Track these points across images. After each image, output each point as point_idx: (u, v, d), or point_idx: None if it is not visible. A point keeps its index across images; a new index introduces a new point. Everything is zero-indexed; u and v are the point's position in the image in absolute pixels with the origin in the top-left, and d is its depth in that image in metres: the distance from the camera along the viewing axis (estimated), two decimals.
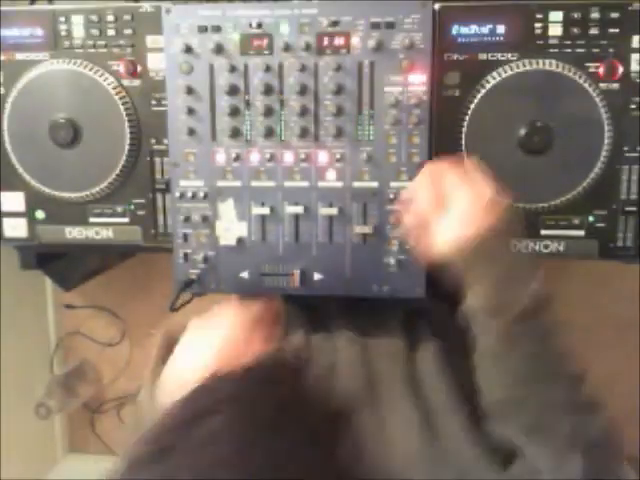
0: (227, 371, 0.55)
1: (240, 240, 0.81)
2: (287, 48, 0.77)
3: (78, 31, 0.83)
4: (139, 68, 0.83)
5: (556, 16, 0.76)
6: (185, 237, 0.82)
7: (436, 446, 0.63)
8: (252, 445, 0.43)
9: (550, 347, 0.65)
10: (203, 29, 0.78)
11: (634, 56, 0.76)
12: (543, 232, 0.81)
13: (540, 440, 0.61)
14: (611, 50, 0.76)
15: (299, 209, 0.80)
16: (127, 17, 0.82)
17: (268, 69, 0.78)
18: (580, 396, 0.64)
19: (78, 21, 0.83)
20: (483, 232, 0.65)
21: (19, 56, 0.84)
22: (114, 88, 0.83)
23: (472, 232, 0.65)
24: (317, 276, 0.80)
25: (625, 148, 0.78)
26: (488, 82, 0.77)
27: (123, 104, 0.83)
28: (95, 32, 0.83)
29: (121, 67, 0.83)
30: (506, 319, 0.64)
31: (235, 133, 0.79)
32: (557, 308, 0.66)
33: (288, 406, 0.48)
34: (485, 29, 0.77)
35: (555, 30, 0.77)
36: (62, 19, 0.83)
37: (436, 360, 0.75)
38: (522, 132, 0.77)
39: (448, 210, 0.67)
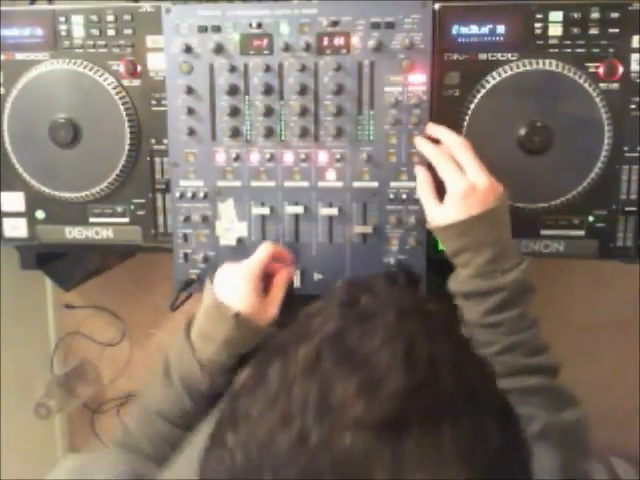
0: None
1: (240, 240, 0.81)
2: (287, 48, 0.77)
3: (78, 31, 0.83)
4: (139, 68, 0.83)
5: (556, 16, 0.76)
6: (185, 237, 0.82)
7: None
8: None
9: (527, 338, 0.66)
10: (203, 29, 0.78)
11: (634, 56, 0.76)
12: (543, 232, 0.81)
13: None
14: (611, 50, 0.76)
15: (299, 209, 0.80)
16: (127, 17, 0.82)
17: (268, 69, 0.78)
18: (555, 390, 0.65)
19: (78, 21, 0.83)
20: (475, 220, 0.66)
21: (19, 56, 0.84)
22: (114, 88, 0.82)
23: (463, 217, 0.67)
24: (317, 276, 0.80)
25: (625, 148, 0.78)
26: (488, 82, 0.77)
27: (123, 104, 0.83)
28: (95, 32, 0.83)
29: (121, 67, 0.83)
30: (485, 307, 0.66)
31: (235, 133, 0.79)
32: (534, 303, 0.68)
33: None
34: (485, 29, 0.77)
35: (555, 30, 0.77)
36: (62, 19, 0.83)
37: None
38: (522, 132, 0.77)
39: (448, 187, 0.69)
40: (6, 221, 0.89)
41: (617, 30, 0.76)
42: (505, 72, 0.77)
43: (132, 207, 0.86)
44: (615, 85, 0.77)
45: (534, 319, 0.68)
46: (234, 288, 0.67)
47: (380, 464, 0.33)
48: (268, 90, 0.78)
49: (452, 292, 0.70)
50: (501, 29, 0.77)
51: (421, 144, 0.75)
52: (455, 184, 0.68)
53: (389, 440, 0.34)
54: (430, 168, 0.74)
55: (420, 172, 0.75)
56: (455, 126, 0.77)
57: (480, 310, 0.66)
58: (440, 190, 0.71)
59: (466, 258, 0.67)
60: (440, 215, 0.69)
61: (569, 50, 0.77)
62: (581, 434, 0.63)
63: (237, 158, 0.80)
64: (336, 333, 0.40)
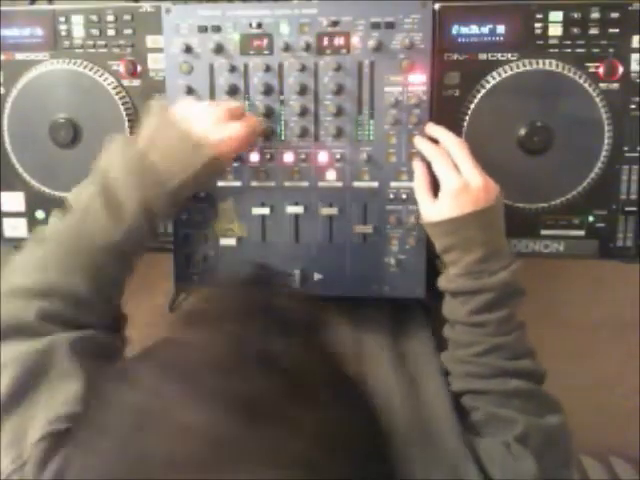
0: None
1: (240, 240, 0.81)
2: (287, 48, 0.77)
3: (78, 31, 0.83)
4: (139, 68, 0.83)
5: (556, 16, 0.76)
6: (185, 237, 0.81)
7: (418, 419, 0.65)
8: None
9: (512, 340, 0.66)
10: (203, 29, 0.78)
11: (634, 56, 0.76)
12: (543, 232, 0.81)
13: (493, 433, 0.62)
14: (611, 50, 0.76)
15: (299, 209, 0.79)
16: (127, 17, 0.82)
17: (268, 69, 0.78)
18: (537, 394, 0.65)
19: (78, 21, 0.83)
20: (466, 218, 0.67)
21: (19, 56, 0.84)
22: (114, 88, 0.82)
23: (455, 215, 0.67)
24: (317, 276, 0.80)
25: (625, 148, 0.78)
26: (488, 82, 0.77)
27: (123, 104, 0.83)
28: (95, 32, 0.83)
29: (121, 67, 0.83)
30: (471, 307, 0.66)
31: None
32: (522, 306, 0.68)
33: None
34: (485, 29, 0.77)
35: (555, 30, 0.77)
36: (62, 19, 0.83)
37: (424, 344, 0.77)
38: (522, 132, 0.77)
39: (442, 185, 0.69)
40: (6, 221, 0.89)
41: (617, 30, 0.76)
42: (505, 72, 0.77)
43: None
44: (615, 85, 0.77)
45: (520, 323, 0.68)
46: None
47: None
48: (268, 90, 0.78)
49: (441, 290, 0.71)
50: (501, 29, 0.77)
51: (420, 142, 0.75)
52: (449, 181, 0.68)
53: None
54: (428, 166, 0.74)
55: (418, 168, 0.75)
56: (455, 126, 0.77)
57: (466, 309, 0.67)
58: (436, 188, 0.72)
59: (455, 256, 0.68)
60: (432, 211, 0.70)
61: (569, 50, 0.77)
62: (562, 441, 0.63)
63: (237, 158, 0.80)
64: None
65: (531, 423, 0.62)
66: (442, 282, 0.71)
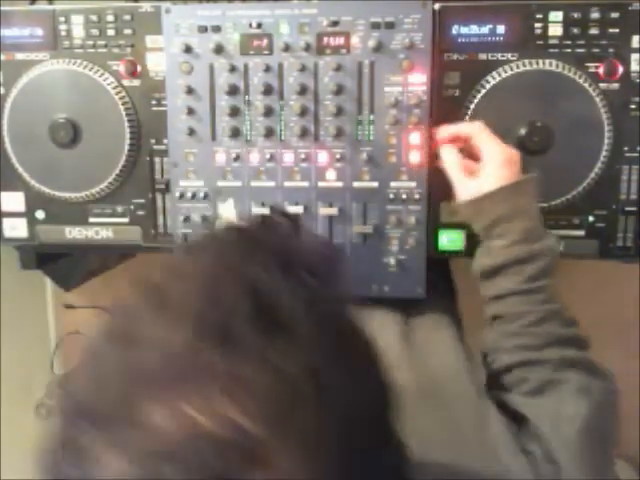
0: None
1: None
2: (287, 48, 0.77)
3: (78, 31, 0.83)
4: (139, 68, 0.83)
5: (556, 16, 0.76)
6: (185, 237, 0.82)
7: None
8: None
9: (562, 307, 0.66)
10: (203, 29, 0.78)
11: (634, 56, 0.76)
12: None
13: (546, 397, 0.62)
14: (611, 50, 0.76)
15: (299, 209, 0.80)
16: (127, 17, 0.82)
17: (268, 69, 0.78)
18: (589, 362, 0.65)
19: (78, 21, 0.83)
20: (519, 184, 0.67)
21: (19, 56, 0.84)
22: (114, 88, 0.82)
23: (505, 183, 0.67)
24: None
25: (625, 148, 0.78)
26: (488, 82, 0.77)
27: (123, 104, 0.82)
28: (95, 32, 0.83)
29: (121, 67, 0.83)
30: (528, 273, 0.65)
31: (235, 133, 0.79)
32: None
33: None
34: (485, 29, 0.77)
35: (555, 30, 0.77)
36: (62, 19, 0.83)
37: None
38: (522, 132, 0.77)
39: (489, 157, 0.69)
40: (6, 221, 0.89)
41: (617, 30, 0.76)
42: (505, 72, 0.77)
43: (132, 207, 0.86)
44: (615, 85, 0.77)
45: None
46: None
47: None
48: (268, 90, 0.78)
49: (484, 268, 0.69)
50: (501, 29, 0.77)
51: (451, 128, 0.75)
52: (499, 152, 0.69)
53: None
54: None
55: (449, 151, 0.74)
56: None
57: (521, 278, 0.65)
58: (450, 196, 0.72)
59: (504, 227, 0.66)
60: (475, 186, 0.69)
61: (569, 50, 0.77)
62: (612, 406, 0.65)
63: (237, 158, 0.80)
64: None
65: (583, 384, 0.62)
66: (484, 260, 0.68)
